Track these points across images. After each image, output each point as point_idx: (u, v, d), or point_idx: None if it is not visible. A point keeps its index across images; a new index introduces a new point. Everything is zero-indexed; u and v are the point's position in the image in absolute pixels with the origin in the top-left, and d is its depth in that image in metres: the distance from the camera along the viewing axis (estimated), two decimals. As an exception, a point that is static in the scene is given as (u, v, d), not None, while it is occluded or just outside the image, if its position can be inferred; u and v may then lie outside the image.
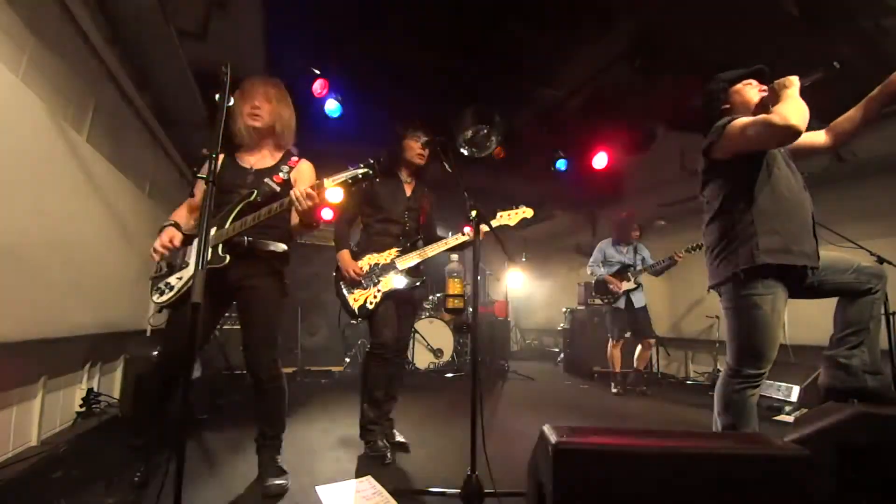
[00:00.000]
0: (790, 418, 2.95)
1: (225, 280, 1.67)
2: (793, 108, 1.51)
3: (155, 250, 1.69)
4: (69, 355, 2.29)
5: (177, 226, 1.76)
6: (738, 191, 1.70)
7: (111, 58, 2.44)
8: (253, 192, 1.69)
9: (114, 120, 2.64)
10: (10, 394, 1.83)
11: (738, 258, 1.65)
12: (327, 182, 1.58)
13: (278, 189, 1.74)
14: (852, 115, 1.74)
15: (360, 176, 1.61)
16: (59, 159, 1.98)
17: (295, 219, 1.76)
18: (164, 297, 1.70)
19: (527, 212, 2.34)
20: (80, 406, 2.36)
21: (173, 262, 1.76)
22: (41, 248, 1.83)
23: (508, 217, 2.30)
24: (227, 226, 1.66)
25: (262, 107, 1.80)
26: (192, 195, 1.84)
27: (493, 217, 2.27)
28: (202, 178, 1.25)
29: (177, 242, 1.70)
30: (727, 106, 1.80)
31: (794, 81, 1.60)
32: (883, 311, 1.88)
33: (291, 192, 1.58)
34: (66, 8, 2.04)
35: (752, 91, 1.78)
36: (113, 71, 2.51)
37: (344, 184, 1.60)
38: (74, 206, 2.11)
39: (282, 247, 1.79)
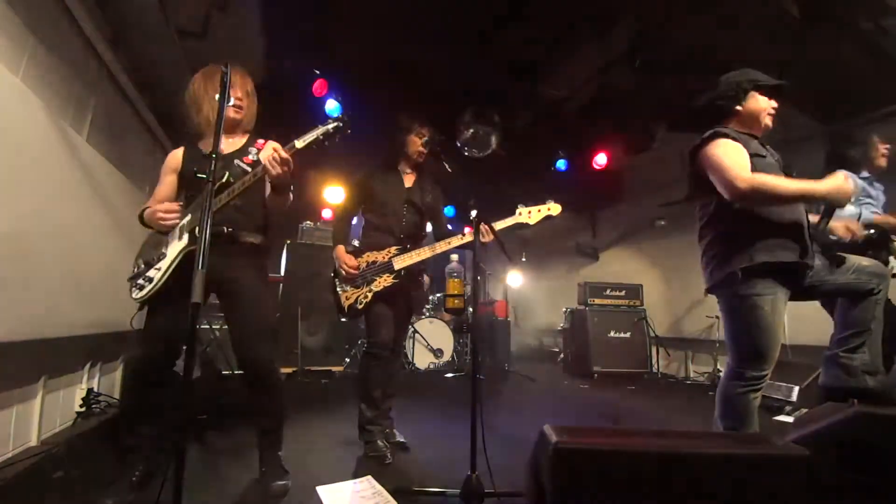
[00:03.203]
0: (790, 418, 2.94)
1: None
2: (772, 187, 1.55)
3: (164, 220, 1.66)
4: (69, 355, 2.28)
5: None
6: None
7: (111, 58, 2.44)
8: (225, 174, 1.65)
9: (114, 120, 2.64)
10: (10, 394, 1.83)
11: (735, 259, 1.64)
12: (298, 143, 1.53)
13: (249, 169, 1.72)
14: None
15: (332, 130, 1.54)
16: (58, 159, 1.98)
17: (268, 189, 1.71)
18: (143, 292, 1.67)
19: (553, 208, 2.05)
20: (80, 406, 2.36)
21: (149, 260, 1.73)
22: (41, 248, 1.83)
23: (529, 215, 2.04)
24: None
25: (244, 101, 1.80)
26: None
27: (513, 212, 2.08)
28: (202, 177, 1.24)
29: (176, 207, 1.69)
30: (739, 108, 1.76)
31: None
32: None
33: (263, 158, 1.53)
34: (66, 8, 2.04)
35: (764, 102, 1.75)
36: (113, 71, 2.51)
37: (316, 141, 1.55)
38: (74, 206, 2.11)
39: (260, 237, 1.78)
